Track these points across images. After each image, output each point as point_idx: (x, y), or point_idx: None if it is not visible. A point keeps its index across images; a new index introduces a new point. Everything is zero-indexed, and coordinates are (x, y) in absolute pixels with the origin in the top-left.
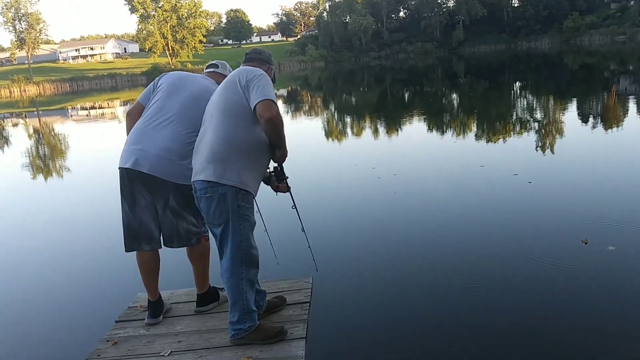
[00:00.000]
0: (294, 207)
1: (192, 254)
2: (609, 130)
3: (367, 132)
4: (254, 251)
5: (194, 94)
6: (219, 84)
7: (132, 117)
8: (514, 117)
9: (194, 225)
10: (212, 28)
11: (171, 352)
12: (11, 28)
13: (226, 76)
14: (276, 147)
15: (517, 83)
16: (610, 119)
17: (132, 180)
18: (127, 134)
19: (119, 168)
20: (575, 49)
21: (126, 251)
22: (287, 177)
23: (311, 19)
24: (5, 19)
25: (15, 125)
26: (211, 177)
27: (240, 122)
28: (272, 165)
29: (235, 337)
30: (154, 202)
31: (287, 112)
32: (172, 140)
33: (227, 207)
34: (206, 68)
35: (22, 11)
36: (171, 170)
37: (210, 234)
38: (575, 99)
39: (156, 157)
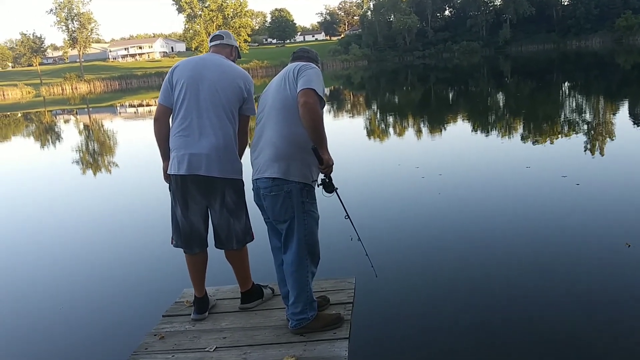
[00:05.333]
0: (347, 217)
1: (231, 255)
2: None
3: (410, 131)
4: (317, 245)
5: (214, 81)
6: (226, 56)
7: (160, 122)
8: (562, 117)
9: (247, 223)
10: (256, 27)
11: (216, 347)
12: (64, 27)
13: (232, 45)
14: (312, 139)
15: (566, 83)
16: None
17: (187, 185)
18: (157, 140)
19: (173, 175)
20: (627, 48)
21: (185, 253)
22: (337, 188)
23: (355, 18)
24: (59, 19)
25: (66, 121)
26: (276, 174)
27: (298, 118)
28: (320, 177)
29: (297, 326)
30: (208, 204)
31: (330, 111)
32: (216, 136)
33: (293, 203)
34: (211, 41)
35: (75, 11)
36: (224, 166)
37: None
38: (626, 99)
39: (208, 158)
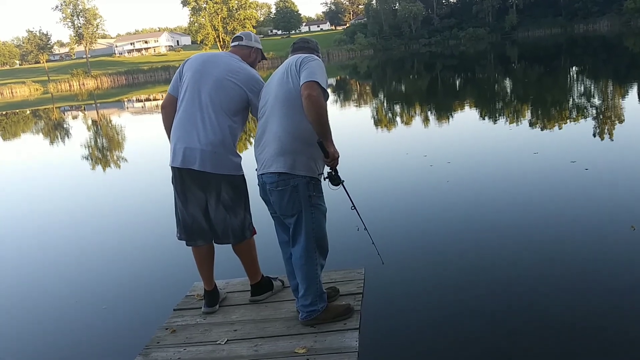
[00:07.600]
0: (353, 208)
1: (238, 248)
2: None
3: (417, 120)
4: (326, 237)
5: (218, 78)
6: (243, 57)
7: (167, 110)
8: (571, 103)
9: (246, 218)
10: (261, 19)
11: (227, 340)
12: (70, 24)
13: (251, 47)
14: (316, 132)
15: (574, 67)
16: None
17: (183, 178)
18: (165, 127)
19: (171, 167)
20: (636, 31)
21: (188, 245)
22: (343, 181)
23: (360, 7)
24: (65, 15)
25: (75, 117)
26: (282, 168)
27: (302, 112)
28: (326, 170)
29: (308, 318)
30: (206, 198)
31: (336, 101)
32: (213, 133)
33: (300, 198)
34: (232, 41)
35: (80, 7)
36: (219, 162)
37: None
38: (635, 83)
39: (202, 153)
